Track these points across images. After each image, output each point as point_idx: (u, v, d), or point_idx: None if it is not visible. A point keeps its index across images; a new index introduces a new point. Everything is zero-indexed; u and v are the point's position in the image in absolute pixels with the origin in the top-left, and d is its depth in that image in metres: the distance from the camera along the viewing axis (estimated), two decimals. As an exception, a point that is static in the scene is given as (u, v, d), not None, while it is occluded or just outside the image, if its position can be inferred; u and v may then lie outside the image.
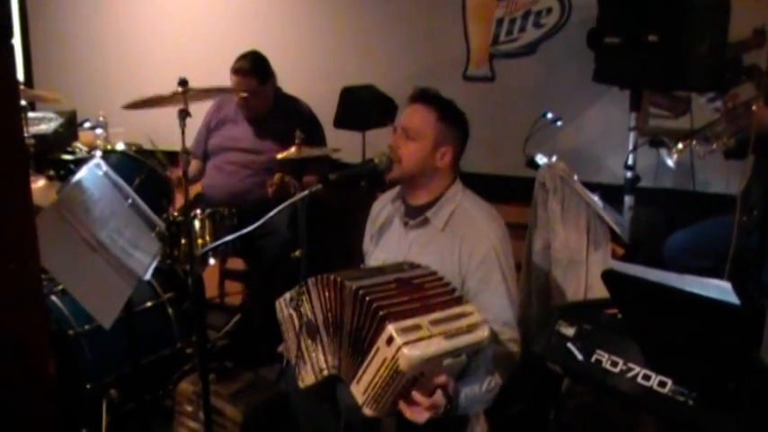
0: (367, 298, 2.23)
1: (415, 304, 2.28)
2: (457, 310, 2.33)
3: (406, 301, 2.28)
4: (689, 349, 1.64)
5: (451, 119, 2.71)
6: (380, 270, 2.53)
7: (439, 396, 2.23)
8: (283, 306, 2.61)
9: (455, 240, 2.62)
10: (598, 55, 3.50)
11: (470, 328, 2.29)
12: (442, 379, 2.23)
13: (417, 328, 2.19)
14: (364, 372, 2.24)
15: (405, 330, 2.15)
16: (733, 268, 2.77)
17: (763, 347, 1.22)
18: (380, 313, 2.18)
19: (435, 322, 2.23)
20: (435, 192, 2.72)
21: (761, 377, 1.20)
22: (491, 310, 2.48)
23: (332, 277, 2.38)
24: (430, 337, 2.18)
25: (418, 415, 2.20)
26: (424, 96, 2.74)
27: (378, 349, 2.18)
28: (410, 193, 2.78)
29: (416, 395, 2.20)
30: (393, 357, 2.12)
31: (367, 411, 2.26)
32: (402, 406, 2.22)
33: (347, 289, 2.31)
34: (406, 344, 2.11)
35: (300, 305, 2.50)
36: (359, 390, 2.27)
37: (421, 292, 2.36)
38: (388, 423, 2.45)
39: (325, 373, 2.45)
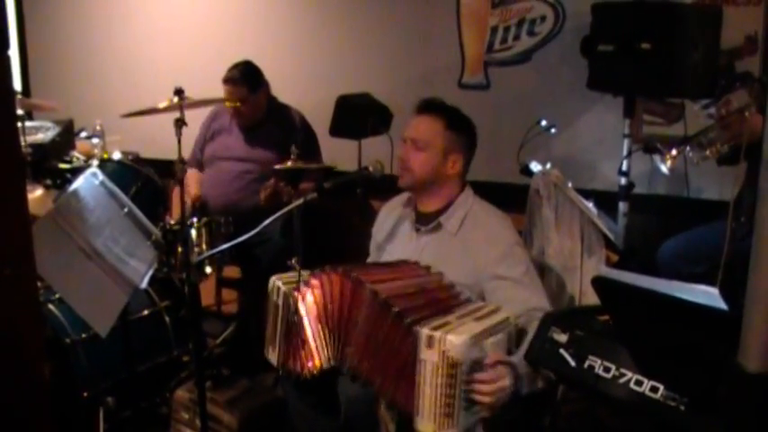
0: (395, 309, 2.27)
1: (436, 309, 2.35)
2: (471, 306, 2.42)
3: (431, 312, 2.32)
4: (678, 355, 1.65)
5: (459, 127, 2.75)
6: (392, 270, 2.59)
7: (501, 369, 2.24)
8: (273, 291, 2.66)
9: (468, 244, 2.66)
10: (592, 62, 3.52)
11: (492, 313, 2.37)
12: (494, 356, 2.25)
13: (447, 323, 2.24)
14: (420, 398, 2.20)
15: (437, 327, 2.20)
16: (725, 274, 2.78)
17: (740, 352, 1.23)
18: (407, 320, 2.23)
19: (460, 316, 2.30)
20: (446, 198, 2.76)
21: (740, 381, 1.22)
22: (522, 301, 2.53)
23: (350, 273, 2.43)
24: (462, 324, 2.24)
25: (488, 392, 2.20)
26: (430, 106, 2.77)
27: (423, 361, 2.18)
28: (422, 200, 2.81)
29: (480, 375, 2.21)
30: (442, 354, 2.14)
31: None
32: (475, 397, 2.21)
33: (366, 290, 2.36)
34: (447, 333, 2.15)
35: (294, 300, 2.53)
36: (427, 422, 2.20)
37: (441, 303, 2.43)
38: (387, 417, 2.45)
39: (325, 366, 2.48)
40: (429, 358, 2.16)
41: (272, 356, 2.65)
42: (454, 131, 2.72)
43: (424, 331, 2.17)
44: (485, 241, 2.64)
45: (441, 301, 2.44)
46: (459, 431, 2.21)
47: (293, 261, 3.60)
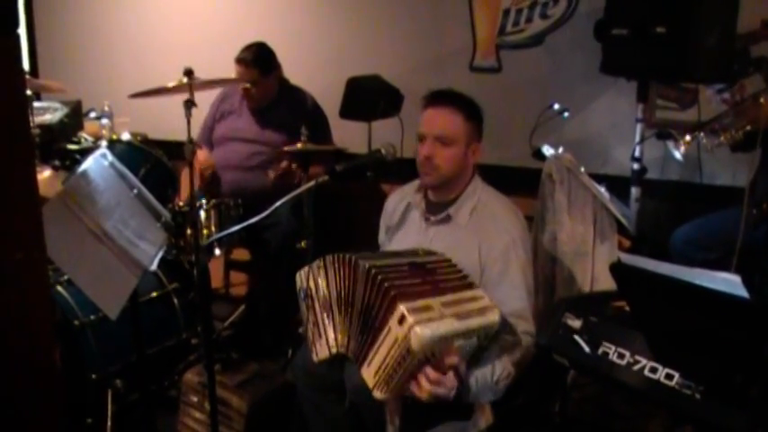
0: (379, 277, 2.22)
1: (426, 286, 2.29)
2: (468, 293, 2.34)
3: (418, 284, 2.28)
4: (697, 342, 1.63)
5: (476, 116, 2.73)
6: (396, 254, 2.56)
7: (450, 376, 2.21)
8: (303, 278, 2.61)
9: (476, 235, 2.64)
10: (605, 46, 3.48)
11: (482, 311, 2.29)
12: (453, 359, 2.21)
13: (429, 308, 2.19)
14: (375, 353, 2.24)
15: (416, 310, 2.15)
16: (740, 261, 2.77)
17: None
18: (392, 293, 2.18)
19: (447, 304, 2.24)
20: (459, 188, 2.73)
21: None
22: (507, 302, 2.49)
23: (347, 256, 2.40)
24: (441, 317, 2.18)
25: (426, 390, 2.19)
26: (447, 98, 2.73)
27: (389, 329, 2.18)
28: (437, 192, 2.78)
29: (428, 370, 2.19)
30: (405, 337, 2.12)
31: (377, 394, 2.25)
32: (413, 386, 2.21)
33: (360, 267, 2.31)
34: (417, 323, 2.10)
35: (316, 279, 2.52)
36: (369, 372, 2.26)
37: (433, 276, 2.37)
38: (393, 405, 2.45)
39: (334, 351, 2.47)
40: (394, 331, 2.16)
41: (323, 351, 2.57)
42: (473, 121, 2.70)
43: (402, 307, 2.14)
44: (491, 233, 2.62)
45: (437, 278, 2.39)
46: (388, 399, 2.31)
47: (303, 244, 3.61)
